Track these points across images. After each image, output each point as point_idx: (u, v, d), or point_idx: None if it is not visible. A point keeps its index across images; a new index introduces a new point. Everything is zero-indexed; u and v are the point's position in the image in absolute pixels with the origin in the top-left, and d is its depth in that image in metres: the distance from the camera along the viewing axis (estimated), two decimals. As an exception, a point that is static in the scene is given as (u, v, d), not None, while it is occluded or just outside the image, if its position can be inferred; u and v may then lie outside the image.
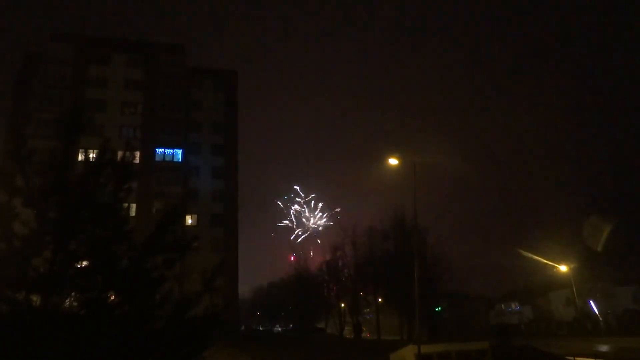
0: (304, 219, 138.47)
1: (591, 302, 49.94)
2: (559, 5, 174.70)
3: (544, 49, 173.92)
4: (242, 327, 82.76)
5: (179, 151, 55.52)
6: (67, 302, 5.69)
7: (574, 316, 51.32)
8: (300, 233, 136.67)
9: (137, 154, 50.98)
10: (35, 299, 5.44)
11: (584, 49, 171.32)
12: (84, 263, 5.93)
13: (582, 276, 50.70)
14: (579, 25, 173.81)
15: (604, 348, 28.22)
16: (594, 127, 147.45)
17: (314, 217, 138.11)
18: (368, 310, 69.22)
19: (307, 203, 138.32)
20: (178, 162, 55.17)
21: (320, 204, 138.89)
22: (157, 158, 54.45)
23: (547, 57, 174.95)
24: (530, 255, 50.68)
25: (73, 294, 5.71)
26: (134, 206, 46.38)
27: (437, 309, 53.53)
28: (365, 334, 61.65)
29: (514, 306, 68.13)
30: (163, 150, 54.98)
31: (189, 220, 54.87)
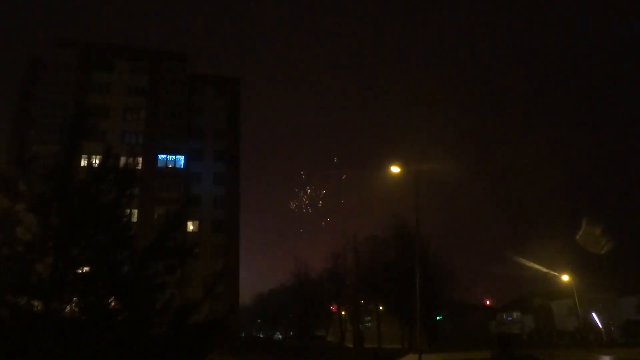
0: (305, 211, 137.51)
1: (594, 314, 49.51)
2: (558, 15, 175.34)
3: (541, 57, 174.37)
4: (243, 334, 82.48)
5: (181, 157, 55.58)
6: (69, 307, 5.69)
7: (575, 326, 50.99)
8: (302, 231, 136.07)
9: (140, 159, 51.05)
10: (37, 304, 5.44)
11: (580, 57, 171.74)
12: (86, 269, 5.93)
13: (585, 286, 50.46)
14: (575, 31, 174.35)
15: (605, 359, 28.02)
16: (593, 135, 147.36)
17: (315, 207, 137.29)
18: (369, 318, 68.98)
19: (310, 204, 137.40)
20: (180, 168, 55.21)
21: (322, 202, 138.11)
22: (159, 164, 54.51)
23: (544, 65, 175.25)
24: (531, 264, 50.50)
25: (74, 299, 5.71)
26: (135, 212, 46.43)
27: (438, 318, 53.29)
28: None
29: (516, 315, 67.73)
30: (165, 156, 55.04)
31: (190, 227, 54.83)
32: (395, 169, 26.57)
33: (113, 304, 5.82)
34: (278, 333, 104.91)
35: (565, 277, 47.22)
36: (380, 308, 55.82)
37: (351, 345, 55.67)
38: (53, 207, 5.83)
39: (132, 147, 50.86)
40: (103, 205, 6.08)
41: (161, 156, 54.82)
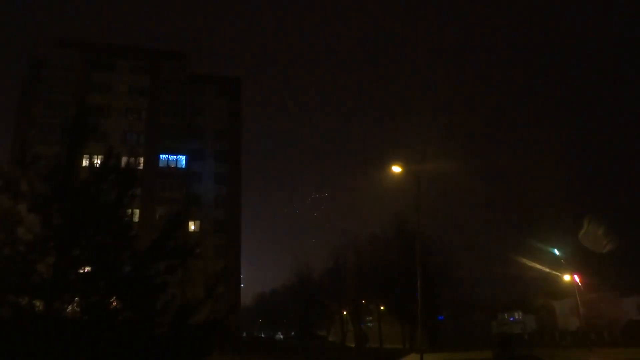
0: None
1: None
2: (558, 15, 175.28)
3: (541, 57, 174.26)
4: (244, 334, 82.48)
5: (182, 157, 55.57)
6: (70, 307, 5.69)
7: (577, 326, 50.87)
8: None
9: (141, 159, 51.10)
10: (39, 304, 5.44)
11: (580, 57, 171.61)
12: (87, 268, 5.93)
13: (587, 286, 50.32)
14: (575, 31, 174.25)
15: (607, 359, 27.99)
16: (596, 138, 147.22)
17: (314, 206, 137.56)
18: (370, 318, 68.96)
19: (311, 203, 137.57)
20: (181, 168, 55.20)
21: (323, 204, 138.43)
22: (161, 164, 54.50)
23: (543, 65, 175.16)
24: (533, 264, 50.40)
25: (76, 299, 5.71)
26: (137, 212, 46.44)
27: (439, 318, 53.19)
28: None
29: (517, 315, 67.54)
30: (166, 156, 55.04)
31: (191, 227, 54.82)
32: (396, 169, 26.51)
33: (114, 303, 5.82)
34: (279, 333, 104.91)
35: (567, 277, 47.08)
36: (382, 308, 55.79)
37: (352, 345, 55.68)
38: (54, 207, 5.83)
39: (134, 147, 50.89)
40: (104, 205, 6.08)
41: (162, 156, 54.84)
